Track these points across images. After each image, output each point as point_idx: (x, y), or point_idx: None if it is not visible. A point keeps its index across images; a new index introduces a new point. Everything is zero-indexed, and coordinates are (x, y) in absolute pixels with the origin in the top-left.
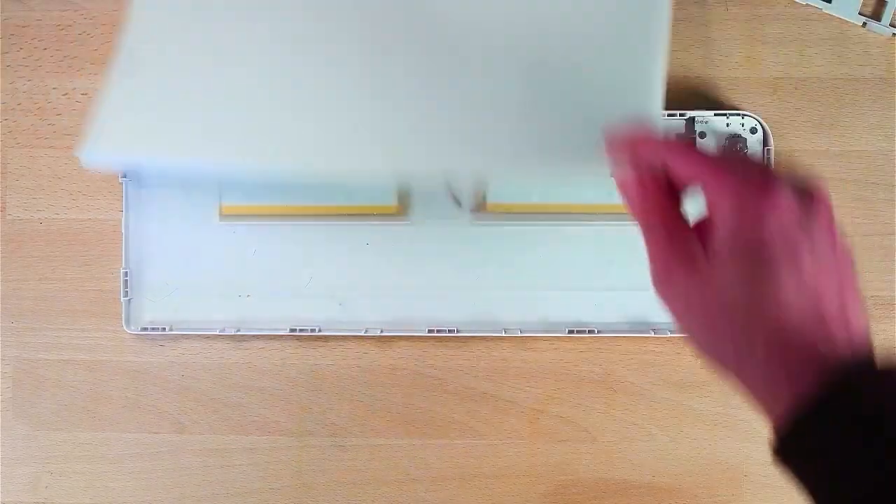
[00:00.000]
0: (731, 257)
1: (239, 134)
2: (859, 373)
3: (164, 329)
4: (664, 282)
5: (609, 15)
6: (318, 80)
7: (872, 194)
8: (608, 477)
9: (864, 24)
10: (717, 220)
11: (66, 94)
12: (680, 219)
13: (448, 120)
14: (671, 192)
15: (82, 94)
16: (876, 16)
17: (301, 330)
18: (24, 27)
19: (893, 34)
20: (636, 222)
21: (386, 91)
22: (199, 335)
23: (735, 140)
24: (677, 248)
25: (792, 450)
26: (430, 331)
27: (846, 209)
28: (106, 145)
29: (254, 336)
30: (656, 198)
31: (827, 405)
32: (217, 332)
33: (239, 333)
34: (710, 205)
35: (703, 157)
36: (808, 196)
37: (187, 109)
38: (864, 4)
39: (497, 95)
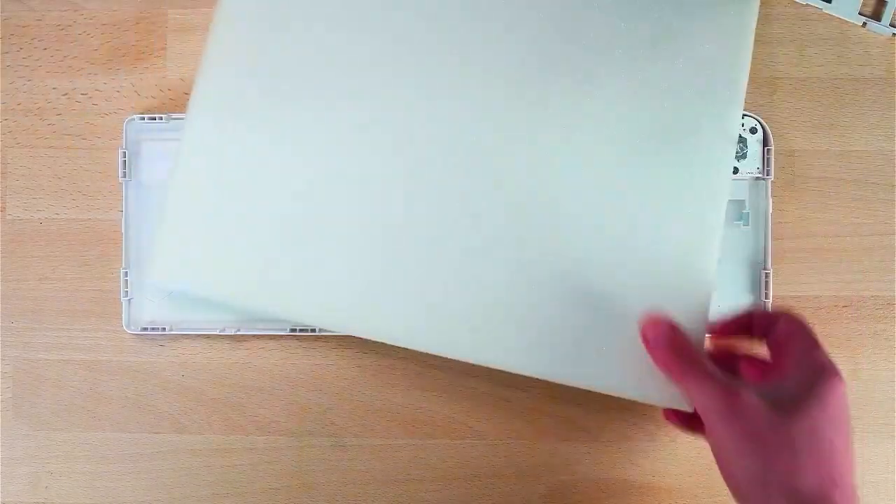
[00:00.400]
0: (812, 399)
1: (322, 294)
2: None
3: (164, 329)
4: (729, 419)
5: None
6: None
7: (872, 194)
8: (608, 477)
9: (865, 24)
10: (800, 369)
11: (66, 94)
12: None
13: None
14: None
15: (82, 94)
16: (876, 16)
17: (301, 330)
18: (24, 27)
19: (893, 34)
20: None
21: (473, 278)
22: (199, 335)
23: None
24: (734, 382)
25: None
26: None
27: (846, 209)
28: (173, 275)
29: (254, 336)
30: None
31: None
32: (217, 332)
33: (239, 333)
34: (797, 360)
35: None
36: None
37: (252, 251)
38: (864, 4)
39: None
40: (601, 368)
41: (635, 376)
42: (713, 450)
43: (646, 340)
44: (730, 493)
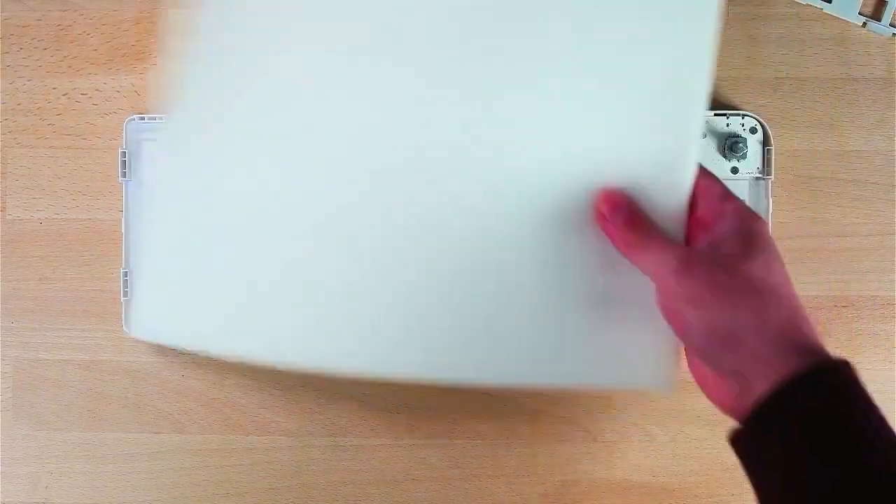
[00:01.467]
0: (748, 245)
1: (287, 333)
2: (832, 369)
3: None
4: (685, 276)
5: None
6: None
7: (872, 194)
8: (608, 477)
9: (865, 23)
10: (730, 221)
11: (66, 94)
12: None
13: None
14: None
15: (82, 95)
16: (876, 16)
17: None
18: (23, 27)
19: (894, 34)
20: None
21: (437, 302)
22: None
23: (735, 140)
24: (684, 247)
25: (756, 430)
26: None
27: (846, 209)
28: (148, 328)
29: None
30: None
31: (796, 394)
32: None
33: None
34: (718, 213)
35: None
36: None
37: (226, 302)
38: (864, 4)
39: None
40: (578, 362)
41: (613, 362)
42: (670, 314)
43: (601, 217)
44: (695, 381)
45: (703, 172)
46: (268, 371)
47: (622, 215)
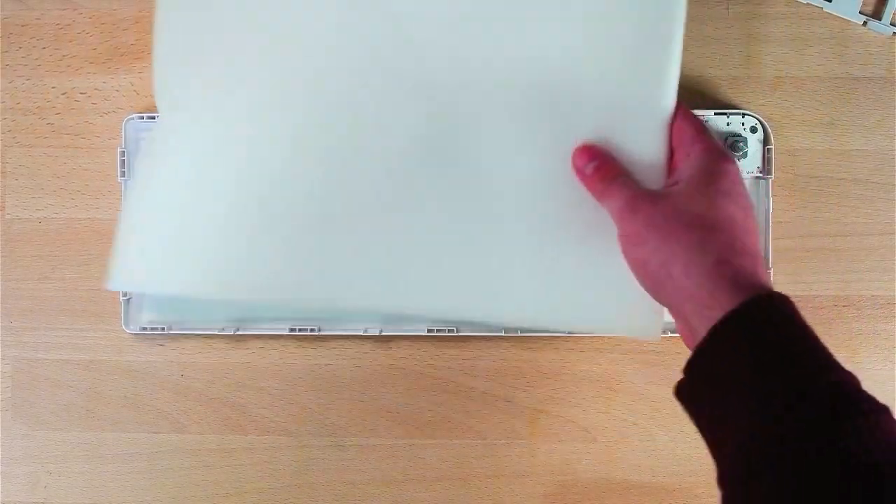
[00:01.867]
0: (700, 182)
1: (263, 269)
2: (781, 298)
3: (163, 329)
4: (630, 216)
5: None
6: (343, 212)
7: (873, 194)
8: (608, 477)
9: (865, 23)
10: (693, 160)
11: (66, 93)
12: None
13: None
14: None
15: (81, 94)
16: (876, 15)
17: (301, 330)
18: (23, 26)
19: (894, 33)
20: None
21: (423, 235)
22: (198, 335)
23: (735, 139)
24: (638, 189)
25: (697, 367)
26: (429, 330)
27: (846, 209)
28: (128, 278)
29: (253, 336)
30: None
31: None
32: (216, 332)
33: (238, 333)
34: (686, 153)
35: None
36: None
37: (203, 243)
38: (864, 3)
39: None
40: (570, 306)
41: (603, 308)
42: (624, 254)
43: (578, 171)
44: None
45: (682, 114)
46: (268, 371)
47: (592, 165)
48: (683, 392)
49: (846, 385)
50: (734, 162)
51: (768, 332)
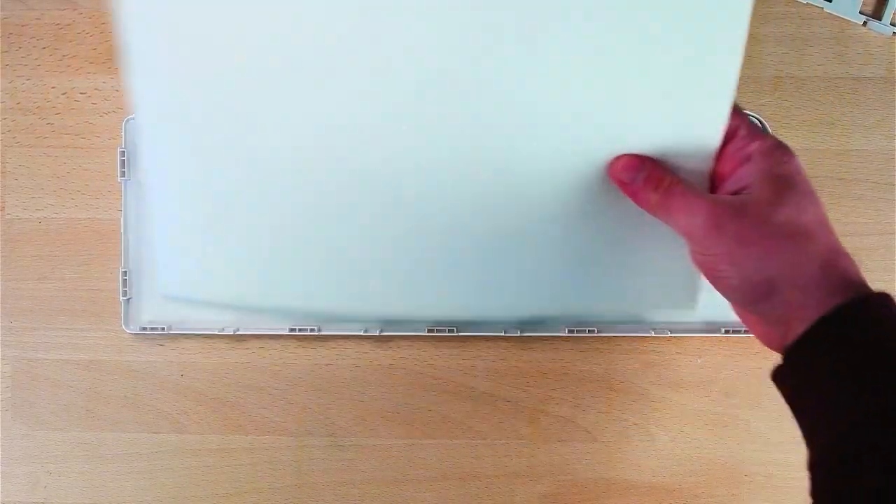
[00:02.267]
0: (776, 185)
1: (307, 283)
2: (875, 300)
3: (163, 329)
4: (716, 234)
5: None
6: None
7: (873, 193)
8: (608, 477)
9: (865, 22)
10: (758, 162)
11: (65, 93)
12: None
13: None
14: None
15: (81, 94)
16: (877, 15)
17: (301, 330)
18: (23, 26)
19: (894, 33)
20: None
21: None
22: (198, 335)
23: None
24: (711, 199)
25: (794, 365)
26: (429, 331)
27: (846, 208)
28: (178, 286)
29: (253, 336)
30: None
31: (838, 326)
32: (216, 332)
33: (238, 333)
34: (742, 154)
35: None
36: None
37: (235, 253)
38: (864, 3)
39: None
40: (616, 291)
41: (641, 289)
42: (705, 269)
43: (621, 183)
44: (732, 306)
45: (733, 112)
46: (268, 371)
47: (641, 177)
48: (778, 377)
49: None
50: (794, 153)
51: (877, 329)
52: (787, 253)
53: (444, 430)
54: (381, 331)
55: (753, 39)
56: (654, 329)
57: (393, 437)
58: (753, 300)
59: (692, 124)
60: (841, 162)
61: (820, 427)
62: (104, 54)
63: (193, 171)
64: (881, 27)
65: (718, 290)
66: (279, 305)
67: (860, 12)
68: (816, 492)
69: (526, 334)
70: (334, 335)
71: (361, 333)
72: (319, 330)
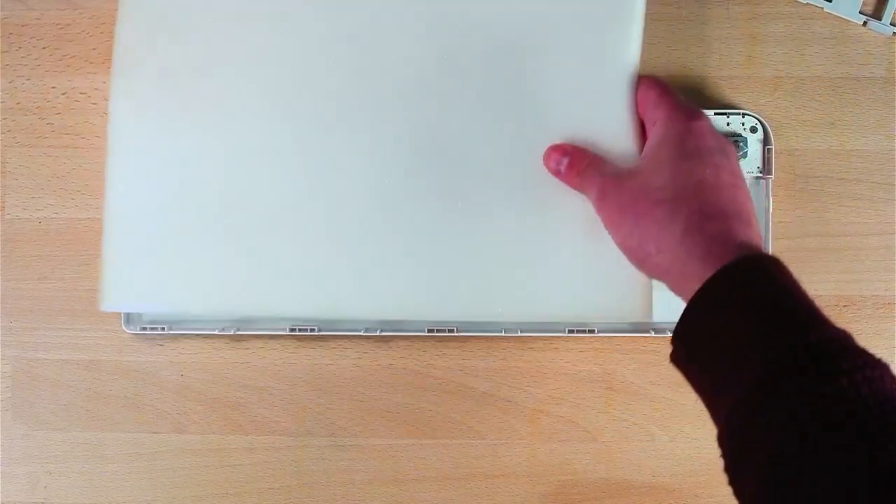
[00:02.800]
0: (664, 149)
1: (252, 285)
2: (757, 260)
3: (162, 329)
4: (603, 203)
5: None
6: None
7: (873, 193)
8: (608, 477)
9: (865, 22)
10: (658, 127)
11: (66, 93)
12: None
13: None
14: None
15: (81, 94)
16: (877, 15)
17: (301, 330)
18: (22, 26)
19: (894, 33)
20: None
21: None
22: (198, 335)
23: (735, 139)
24: (608, 173)
25: (688, 327)
26: (429, 331)
27: (846, 208)
28: (119, 299)
29: (253, 336)
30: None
31: (722, 285)
32: (216, 332)
33: (238, 333)
34: (652, 121)
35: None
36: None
37: (189, 262)
38: (864, 3)
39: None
40: (561, 296)
41: (592, 295)
42: (610, 234)
43: (554, 172)
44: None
45: (644, 82)
46: (268, 371)
47: (565, 161)
48: (675, 357)
49: (837, 341)
50: (700, 117)
51: (748, 293)
52: (653, 218)
53: (444, 430)
54: (381, 331)
55: (754, 39)
56: (654, 329)
57: (393, 437)
58: (637, 265)
59: (605, 109)
60: (841, 162)
61: (716, 400)
62: (104, 54)
63: (163, 181)
64: (881, 27)
65: (621, 248)
66: (227, 310)
67: (860, 12)
68: (730, 459)
69: (526, 334)
70: (334, 335)
71: (361, 333)
72: (319, 330)
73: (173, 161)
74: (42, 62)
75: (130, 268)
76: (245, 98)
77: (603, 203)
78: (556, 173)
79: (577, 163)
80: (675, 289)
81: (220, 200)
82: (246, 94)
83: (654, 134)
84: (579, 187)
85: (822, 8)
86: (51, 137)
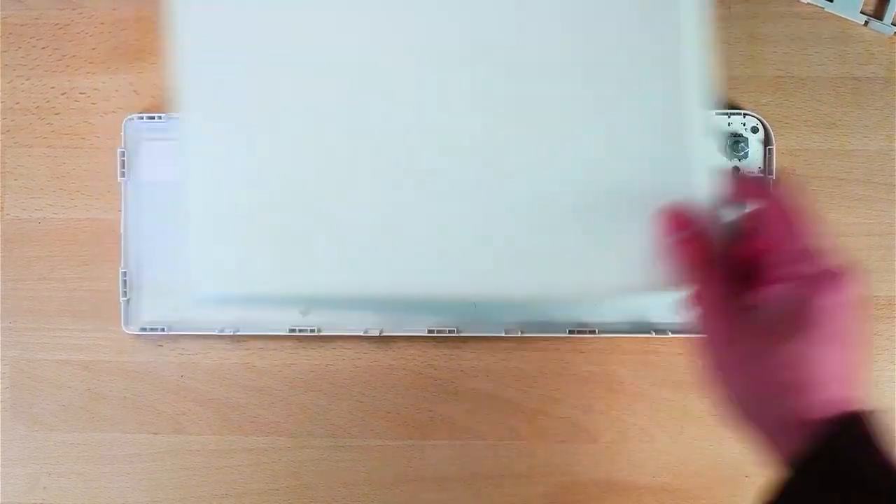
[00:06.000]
0: (795, 321)
1: (337, 265)
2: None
3: (162, 329)
4: (727, 348)
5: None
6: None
7: (873, 193)
8: (608, 477)
9: (866, 22)
10: (790, 288)
11: (65, 93)
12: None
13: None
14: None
15: (80, 94)
16: (878, 15)
17: (300, 330)
18: (22, 26)
19: (895, 33)
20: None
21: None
22: (197, 335)
23: (737, 139)
24: (735, 306)
25: None
26: (429, 331)
27: (846, 209)
28: (215, 285)
29: (253, 336)
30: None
31: (813, 464)
32: (216, 333)
33: (238, 334)
34: (782, 267)
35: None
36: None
37: (278, 243)
38: (865, 3)
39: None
40: (615, 272)
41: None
42: (712, 370)
43: (663, 236)
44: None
45: (782, 209)
46: (267, 371)
47: (686, 234)
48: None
49: None
50: (837, 287)
51: (848, 473)
52: (768, 392)
53: (444, 430)
54: (382, 331)
55: (754, 39)
56: (654, 329)
57: (393, 437)
58: (731, 410)
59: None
60: (841, 162)
61: None
62: (104, 54)
63: (237, 168)
64: (882, 27)
65: (713, 389)
66: (313, 294)
67: (861, 12)
68: None
69: (526, 334)
70: (334, 335)
71: (361, 334)
72: (319, 330)
73: (254, 144)
74: (42, 62)
75: (220, 253)
76: (327, 77)
77: (727, 349)
78: (666, 242)
79: (700, 247)
80: (768, 447)
81: (307, 180)
82: (326, 74)
83: (784, 294)
84: (691, 279)
85: (823, 8)
86: (50, 138)
